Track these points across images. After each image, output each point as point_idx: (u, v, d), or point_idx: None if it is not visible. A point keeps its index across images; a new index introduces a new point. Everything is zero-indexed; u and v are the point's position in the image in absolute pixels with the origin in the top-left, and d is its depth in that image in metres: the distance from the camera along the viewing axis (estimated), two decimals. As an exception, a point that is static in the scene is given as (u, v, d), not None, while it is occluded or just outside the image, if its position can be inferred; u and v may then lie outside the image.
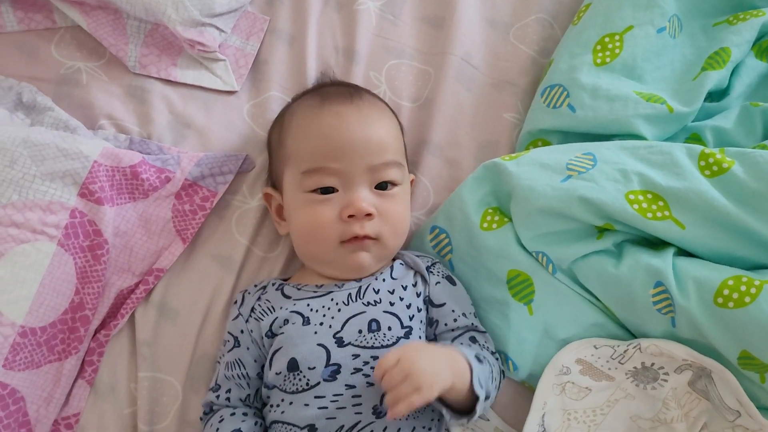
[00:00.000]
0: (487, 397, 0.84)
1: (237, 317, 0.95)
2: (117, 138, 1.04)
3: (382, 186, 0.93)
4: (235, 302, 0.97)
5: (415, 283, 0.94)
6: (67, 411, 0.95)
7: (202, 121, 1.09)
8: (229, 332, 0.95)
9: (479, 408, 0.82)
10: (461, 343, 0.91)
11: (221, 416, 0.89)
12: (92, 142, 0.98)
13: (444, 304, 0.93)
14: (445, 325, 0.92)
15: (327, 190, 0.91)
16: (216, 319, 1.00)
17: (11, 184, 0.92)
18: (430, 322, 0.92)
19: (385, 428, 0.83)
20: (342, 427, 0.83)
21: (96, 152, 0.96)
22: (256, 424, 0.89)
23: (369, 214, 0.90)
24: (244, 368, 0.92)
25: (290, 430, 0.84)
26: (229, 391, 0.92)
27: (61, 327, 0.93)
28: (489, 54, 1.18)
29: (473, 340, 0.91)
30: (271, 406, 0.88)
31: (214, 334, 0.99)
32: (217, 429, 0.88)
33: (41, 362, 0.92)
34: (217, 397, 0.92)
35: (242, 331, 0.94)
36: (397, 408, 0.74)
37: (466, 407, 0.84)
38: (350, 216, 0.90)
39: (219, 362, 0.95)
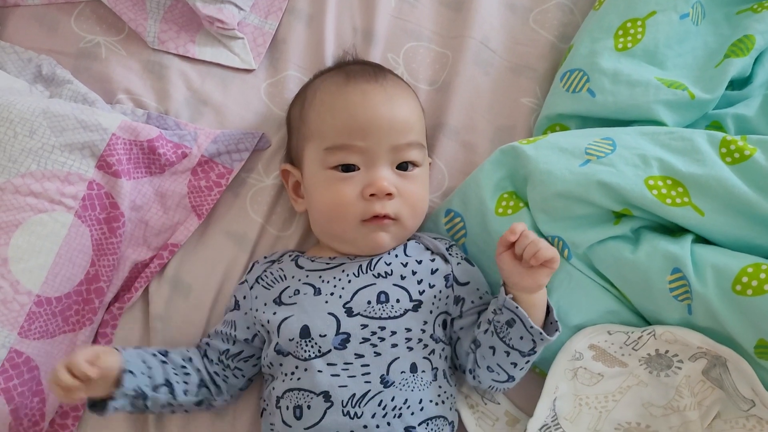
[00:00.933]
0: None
1: (243, 282, 0.97)
2: (134, 113, 1.04)
3: (403, 166, 0.93)
4: (246, 270, 0.99)
5: (434, 260, 0.94)
6: (80, 382, 0.95)
7: (219, 99, 1.09)
8: (234, 295, 0.97)
9: (554, 316, 0.87)
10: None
11: (186, 350, 0.93)
12: (111, 115, 0.98)
13: (468, 282, 0.94)
14: (472, 302, 0.93)
15: (348, 168, 0.92)
16: (229, 295, 1.00)
17: (30, 154, 0.92)
18: (456, 300, 0.92)
19: (393, 398, 0.84)
20: (354, 395, 0.84)
21: (114, 125, 0.96)
22: (199, 370, 0.91)
23: (390, 194, 0.90)
24: (235, 330, 0.93)
25: (307, 395, 0.85)
26: (211, 340, 0.94)
27: (76, 298, 0.94)
28: (508, 38, 1.17)
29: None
30: (285, 374, 0.88)
31: (229, 301, 0.99)
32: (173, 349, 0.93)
33: (56, 332, 0.92)
34: (202, 340, 0.96)
35: (245, 297, 0.95)
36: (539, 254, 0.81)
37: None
38: (372, 195, 0.90)
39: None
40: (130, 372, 0.85)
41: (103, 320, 0.97)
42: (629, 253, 0.90)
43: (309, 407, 0.85)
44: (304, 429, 0.85)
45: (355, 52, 1.10)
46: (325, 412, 0.84)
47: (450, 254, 0.95)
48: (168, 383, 0.88)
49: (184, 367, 0.91)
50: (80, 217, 0.93)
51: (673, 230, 0.93)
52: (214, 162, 1.02)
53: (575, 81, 1.04)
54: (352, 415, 0.84)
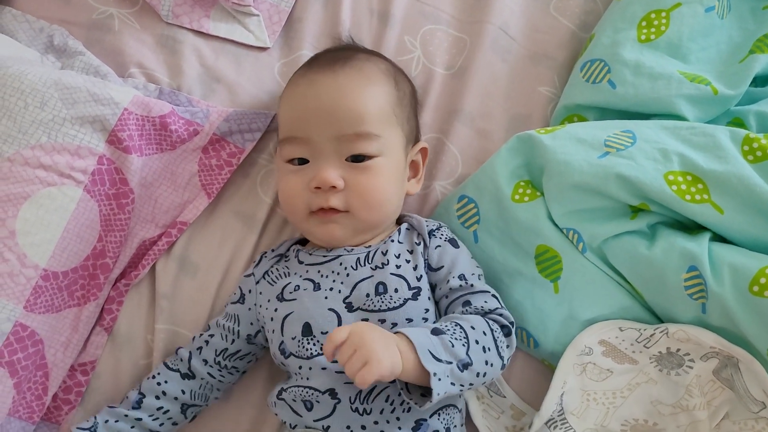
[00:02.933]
0: (465, 366, 0.78)
1: (250, 276, 0.95)
2: (147, 87, 1.02)
3: (357, 158, 0.89)
4: (254, 262, 0.97)
5: (419, 243, 0.91)
6: (84, 357, 0.95)
7: (233, 77, 1.07)
8: (239, 286, 0.96)
9: (435, 385, 0.74)
10: (453, 312, 0.87)
11: (162, 377, 0.92)
12: (123, 89, 0.96)
13: (441, 267, 0.90)
14: (440, 289, 0.89)
15: (302, 161, 0.90)
16: (236, 276, 1.00)
17: (41, 126, 0.91)
18: (432, 288, 0.90)
19: (399, 393, 0.83)
20: (360, 392, 0.82)
21: (127, 99, 0.95)
22: (176, 398, 0.91)
23: (334, 187, 0.88)
24: (239, 325, 0.92)
25: (312, 394, 0.84)
26: (211, 336, 0.93)
27: (82, 273, 0.93)
28: (527, 25, 1.15)
29: (466, 303, 0.87)
30: (293, 373, 0.87)
31: (233, 291, 0.98)
32: (153, 376, 0.93)
33: (61, 306, 0.91)
34: (201, 335, 0.94)
35: (250, 291, 0.94)
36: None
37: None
38: (317, 188, 0.88)
39: (224, 309, 0.96)
40: None
41: (109, 296, 0.96)
42: (645, 249, 0.89)
43: (318, 401, 0.84)
44: (314, 420, 0.84)
45: (349, 36, 1.08)
46: (334, 407, 0.83)
47: (433, 235, 0.92)
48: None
49: (160, 408, 0.91)
50: (89, 192, 0.92)
51: (690, 227, 0.91)
52: (225, 141, 1.00)
53: (596, 71, 1.02)
54: (361, 412, 0.83)
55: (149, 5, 1.08)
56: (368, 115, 0.89)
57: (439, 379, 0.75)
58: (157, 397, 0.90)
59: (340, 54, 0.95)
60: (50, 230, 0.89)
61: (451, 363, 0.77)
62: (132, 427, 0.89)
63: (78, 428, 0.88)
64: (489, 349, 0.81)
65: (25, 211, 0.88)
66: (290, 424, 0.87)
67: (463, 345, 0.79)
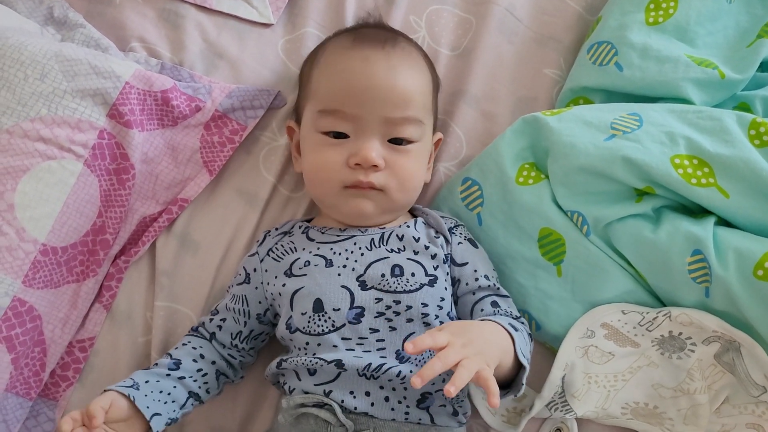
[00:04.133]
0: (528, 361, 0.83)
1: (254, 255, 0.94)
2: (148, 62, 1.01)
3: (396, 141, 0.90)
4: (257, 241, 0.96)
5: (438, 237, 0.92)
6: (83, 334, 0.94)
7: (235, 53, 1.06)
8: (243, 266, 0.94)
9: (524, 378, 0.80)
10: (482, 310, 0.89)
11: (195, 343, 0.90)
12: (125, 62, 0.95)
13: (467, 263, 0.91)
14: (467, 285, 0.90)
15: (339, 135, 0.89)
16: (237, 254, 0.99)
17: (41, 98, 0.89)
18: (453, 282, 0.90)
19: (411, 371, 0.82)
20: (369, 365, 0.82)
21: (128, 73, 0.93)
22: (213, 362, 0.90)
23: (375, 166, 0.87)
24: (248, 305, 0.91)
25: (317, 363, 0.83)
26: (224, 320, 0.92)
27: (82, 249, 0.92)
28: (534, 7, 1.13)
29: (495, 304, 0.89)
30: (298, 348, 0.86)
31: (234, 270, 0.98)
32: (184, 344, 0.90)
33: (60, 282, 0.90)
34: (211, 320, 0.92)
35: (255, 270, 0.93)
36: (456, 382, 0.68)
37: (507, 379, 0.82)
38: (357, 164, 0.87)
39: (228, 291, 0.94)
40: (156, 414, 0.82)
41: (109, 273, 0.95)
42: (649, 233, 0.88)
43: (322, 368, 0.83)
44: (315, 384, 0.83)
45: (379, 14, 1.06)
46: (339, 374, 0.82)
47: (453, 233, 0.93)
48: (191, 394, 0.87)
49: (199, 370, 0.88)
50: (89, 167, 0.91)
51: (695, 211, 0.91)
52: (228, 117, 0.99)
53: (603, 54, 1.01)
54: (368, 377, 0.82)
55: (151, -21, 1.06)
56: (416, 100, 0.90)
57: (526, 375, 0.81)
58: (195, 360, 0.88)
59: (384, 33, 0.95)
60: (50, 204, 0.88)
61: (526, 357, 0.81)
62: (174, 387, 0.85)
63: (117, 386, 0.82)
64: (529, 344, 0.86)
65: (25, 184, 0.87)
66: (289, 388, 0.86)
67: (528, 344, 0.85)
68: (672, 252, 0.86)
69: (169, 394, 0.85)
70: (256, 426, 0.97)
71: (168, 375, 0.86)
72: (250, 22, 1.08)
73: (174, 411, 0.85)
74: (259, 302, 0.92)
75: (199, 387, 0.88)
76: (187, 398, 0.87)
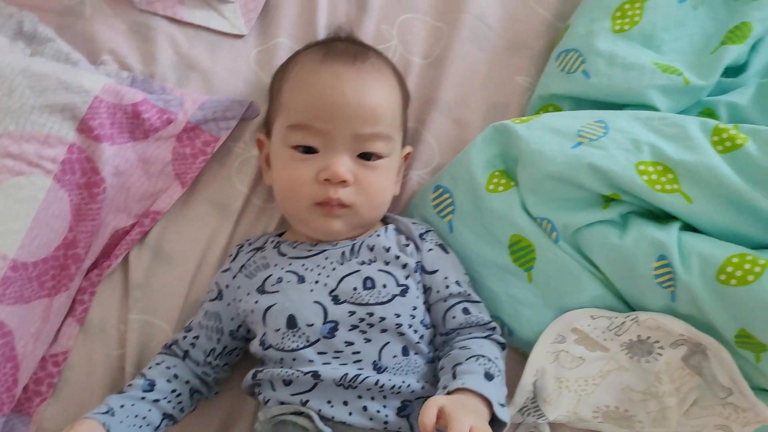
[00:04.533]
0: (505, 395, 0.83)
1: (227, 270, 0.95)
2: (119, 75, 1.01)
3: (365, 156, 0.90)
4: (230, 255, 0.97)
5: (408, 245, 0.93)
6: (56, 348, 0.94)
7: (208, 64, 1.06)
8: (216, 282, 0.95)
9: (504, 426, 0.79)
10: (453, 317, 0.89)
11: (169, 362, 0.90)
12: (94, 76, 0.95)
13: (437, 271, 0.91)
14: (438, 292, 0.90)
15: (309, 150, 0.90)
16: (211, 266, 0.99)
17: (8, 114, 0.89)
18: (424, 289, 0.91)
19: (390, 379, 0.83)
20: (346, 375, 0.82)
21: (98, 87, 0.93)
22: (187, 382, 0.90)
23: (344, 181, 0.88)
24: (221, 322, 0.92)
25: (293, 374, 0.83)
26: (197, 338, 0.92)
27: (53, 263, 0.92)
28: (505, 15, 1.14)
29: (466, 311, 0.90)
30: (272, 361, 0.87)
31: (208, 281, 0.98)
32: (157, 363, 0.90)
33: (31, 297, 0.90)
34: (184, 338, 0.93)
35: (227, 286, 0.93)
36: None
37: None
38: (326, 180, 0.88)
39: (201, 307, 0.95)
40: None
41: (81, 287, 0.95)
42: (616, 238, 0.90)
43: (298, 379, 0.83)
44: (291, 395, 0.83)
45: (350, 27, 1.07)
46: (315, 385, 0.83)
47: (423, 239, 0.94)
48: (166, 416, 0.87)
49: (174, 390, 0.89)
50: (59, 181, 0.91)
51: (661, 216, 0.92)
52: (200, 129, 1.00)
53: (571, 61, 1.02)
54: (346, 386, 0.82)
55: (121, -9, 1.06)
56: (385, 116, 0.91)
57: (507, 423, 0.79)
58: (169, 381, 0.89)
59: (355, 48, 0.95)
60: (19, 220, 0.88)
61: (504, 406, 0.80)
62: (149, 410, 0.86)
63: (94, 413, 0.82)
64: (503, 376, 0.85)
65: (-7, 200, 0.87)
66: (264, 398, 0.86)
67: (502, 379, 0.84)
68: (638, 257, 0.88)
69: (144, 417, 0.85)
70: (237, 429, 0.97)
71: (143, 398, 0.86)
72: (222, 34, 1.08)
73: None
74: (232, 318, 0.92)
75: (173, 408, 0.88)
76: (162, 420, 0.87)
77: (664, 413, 0.92)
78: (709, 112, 1.01)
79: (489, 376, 0.81)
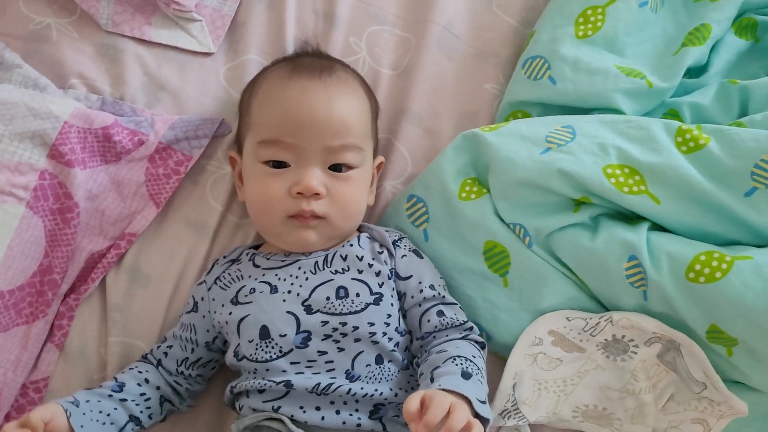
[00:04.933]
0: (487, 393, 0.83)
1: (202, 283, 0.96)
2: (88, 98, 1.01)
3: (336, 168, 0.91)
4: (206, 270, 0.98)
5: (382, 252, 0.94)
6: (36, 375, 0.94)
7: (177, 84, 1.06)
8: (192, 295, 0.96)
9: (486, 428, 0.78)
10: (428, 321, 0.90)
11: (141, 368, 0.91)
12: (63, 101, 0.95)
13: (410, 276, 0.92)
14: (412, 297, 0.91)
15: (280, 164, 0.91)
16: (188, 285, 0.99)
17: (-22, 143, 0.89)
18: (399, 296, 0.92)
19: (362, 388, 0.84)
20: (318, 384, 0.83)
21: (67, 112, 0.93)
22: (158, 388, 0.91)
23: (317, 194, 0.89)
24: (195, 333, 0.93)
25: (266, 384, 0.84)
26: (170, 347, 0.93)
27: (29, 290, 0.92)
28: (471, 23, 1.16)
29: (440, 313, 0.90)
30: (247, 372, 0.88)
31: (186, 300, 0.98)
32: (130, 368, 0.91)
33: (9, 325, 0.90)
34: (158, 347, 0.93)
35: (203, 298, 0.94)
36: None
37: None
38: (299, 193, 0.89)
39: (179, 319, 0.95)
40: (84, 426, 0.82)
41: (59, 312, 0.95)
42: (588, 241, 0.91)
43: (271, 388, 0.84)
44: (263, 401, 0.84)
45: (317, 41, 1.08)
46: (288, 392, 0.84)
47: (397, 246, 0.95)
48: (132, 418, 0.87)
49: (143, 394, 0.89)
50: (32, 208, 0.91)
51: (631, 218, 0.94)
52: (172, 149, 1.00)
53: (537, 68, 1.04)
54: (318, 393, 0.83)
55: (88, 14, 1.06)
56: (354, 127, 0.92)
57: (490, 418, 0.79)
58: (139, 384, 0.89)
59: (321, 62, 0.96)
60: (-7, 249, 0.88)
61: (485, 403, 0.80)
62: (115, 408, 0.86)
63: (59, 400, 0.82)
64: (483, 374, 0.85)
65: (-34, 230, 0.87)
66: (239, 406, 0.87)
67: (482, 377, 0.84)
68: (609, 259, 0.90)
69: (108, 415, 0.85)
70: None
71: (110, 396, 0.87)
72: (190, 52, 1.09)
73: None
74: (207, 330, 0.93)
75: (141, 411, 0.88)
76: (127, 422, 0.87)
77: (642, 410, 0.94)
78: (673, 113, 1.03)
79: (466, 375, 0.81)
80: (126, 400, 0.87)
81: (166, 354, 0.93)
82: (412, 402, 0.72)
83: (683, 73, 1.02)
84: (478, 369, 0.84)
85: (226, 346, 0.93)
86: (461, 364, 0.83)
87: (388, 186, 1.07)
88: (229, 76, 1.09)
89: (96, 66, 1.04)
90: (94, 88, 1.03)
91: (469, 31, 1.16)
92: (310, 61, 0.96)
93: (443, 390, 0.77)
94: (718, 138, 0.90)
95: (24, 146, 0.91)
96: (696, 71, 1.07)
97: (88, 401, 0.85)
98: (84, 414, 0.83)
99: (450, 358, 0.84)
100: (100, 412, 0.85)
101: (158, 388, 0.91)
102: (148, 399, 0.89)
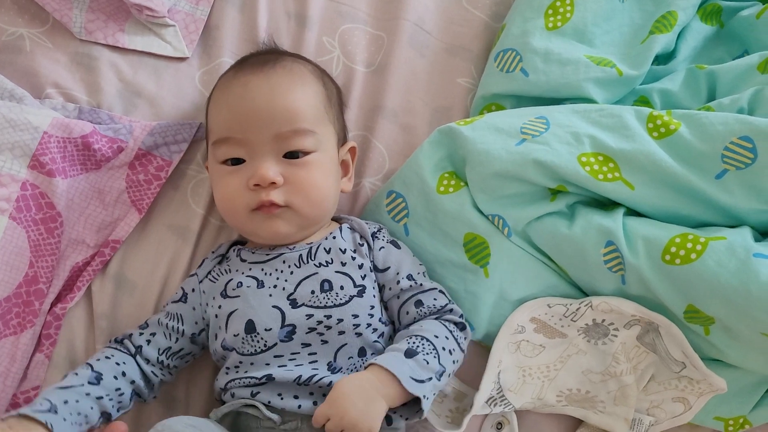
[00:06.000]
0: (441, 375, 0.85)
1: (193, 275, 0.97)
2: (65, 107, 1.01)
3: (293, 155, 0.92)
4: (198, 266, 0.99)
5: (362, 244, 0.95)
6: (26, 385, 0.94)
7: (153, 89, 1.07)
8: (181, 287, 0.96)
9: (425, 405, 0.82)
10: (407, 313, 0.92)
11: (119, 358, 0.89)
12: (41, 112, 0.95)
13: (388, 268, 0.94)
14: (390, 289, 0.93)
15: (237, 161, 0.92)
16: (174, 289, 1.00)
17: (-44, 157, 0.89)
18: (379, 288, 0.94)
19: None
20: (300, 376, 0.85)
21: (45, 123, 0.93)
22: (133, 382, 0.89)
23: (273, 183, 0.90)
24: (182, 324, 0.93)
25: (248, 381, 0.86)
26: (153, 335, 0.92)
27: (16, 301, 0.92)
28: (442, 19, 1.17)
29: (418, 303, 0.92)
30: (228, 368, 0.89)
31: (175, 291, 0.98)
32: (107, 357, 0.89)
33: (-4, 337, 0.90)
34: (140, 334, 0.92)
35: (193, 290, 0.95)
36: None
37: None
38: (256, 185, 0.90)
39: (162, 309, 0.95)
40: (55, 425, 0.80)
41: (47, 322, 0.95)
42: (565, 229, 0.93)
43: (252, 382, 0.86)
44: (243, 387, 0.86)
45: (272, 41, 1.08)
46: (267, 382, 0.86)
47: (375, 237, 0.96)
48: (104, 414, 0.86)
49: (118, 389, 0.88)
50: (15, 219, 0.91)
51: (606, 204, 0.96)
52: (152, 155, 1.00)
53: (509, 61, 1.06)
54: (299, 383, 0.85)
55: (60, 23, 1.06)
56: (303, 112, 0.92)
57: (426, 398, 0.82)
58: (116, 377, 0.88)
59: (267, 57, 0.97)
60: (-23, 262, 0.88)
61: (431, 379, 0.83)
62: (92, 408, 0.83)
63: (34, 411, 0.78)
64: (453, 350, 0.88)
65: (-51, 244, 0.87)
66: (223, 396, 0.89)
67: (435, 357, 0.85)
68: (587, 245, 0.92)
69: (86, 416, 0.83)
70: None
71: (87, 394, 0.84)
72: (165, 58, 1.09)
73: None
74: (195, 322, 0.94)
75: (113, 406, 0.87)
76: (99, 418, 0.86)
77: (624, 391, 0.97)
78: (643, 100, 1.05)
79: (410, 353, 0.84)
80: (102, 397, 0.85)
81: (148, 342, 0.92)
82: (321, 414, 0.78)
83: (652, 60, 1.04)
84: (433, 348, 0.86)
85: (209, 341, 0.94)
86: (412, 342, 0.85)
87: (367, 183, 1.08)
88: (204, 80, 1.09)
89: (71, 75, 1.04)
90: (71, 97, 1.03)
91: (440, 26, 1.17)
92: (255, 58, 0.98)
93: (375, 365, 0.81)
94: (688, 123, 0.92)
95: (4, 157, 0.91)
96: (664, 58, 1.09)
97: (66, 402, 0.81)
98: (65, 420, 0.80)
99: (408, 336, 0.87)
100: (78, 413, 0.82)
101: (132, 382, 0.89)
102: (122, 394, 0.88)
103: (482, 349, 1.00)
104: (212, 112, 0.96)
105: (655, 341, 0.94)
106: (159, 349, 0.92)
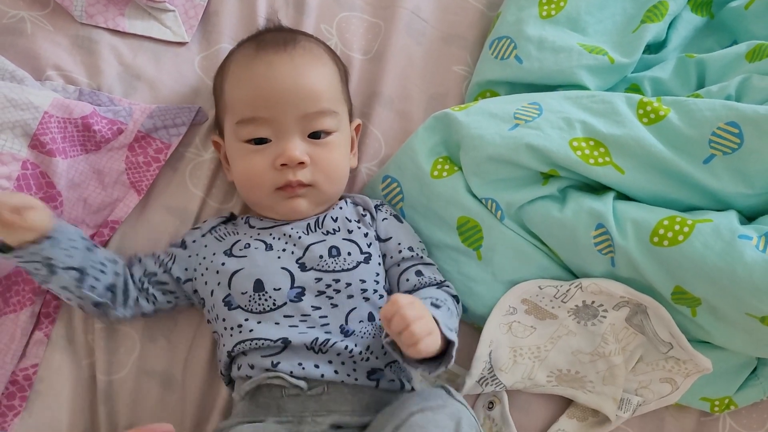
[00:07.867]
0: (455, 331, 0.86)
1: (197, 228, 0.99)
2: (66, 89, 1.02)
3: (315, 135, 0.94)
4: (202, 221, 1.01)
5: (365, 215, 0.98)
6: (25, 362, 0.95)
7: (153, 73, 1.08)
8: (184, 236, 0.98)
9: (453, 351, 0.83)
10: (407, 280, 0.94)
11: (115, 256, 0.94)
12: (42, 92, 0.96)
13: (390, 238, 0.97)
14: (391, 258, 0.96)
15: (261, 141, 0.94)
16: (173, 270, 1.01)
17: (-41, 135, 0.90)
18: (382, 257, 0.96)
19: (356, 345, 0.87)
20: (316, 339, 0.86)
21: (46, 103, 0.95)
22: (117, 273, 0.92)
23: (301, 163, 0.92)
24: (173, 262, 0.95)
25: (263, 343, 0.87)
26: (144, 257, 0.96)
27: (16, 279, 0.93)
28: (438, 7, 1.19)
29: (419, 273, 0.95)
30: (233, 328, 0.89)
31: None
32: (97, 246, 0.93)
33: (-3, 314, 0.92)
34: (136, 256, 0.97)
35: (194, 241, 0.97)
36: (418, 347, 0.77)
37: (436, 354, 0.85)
38: (283, 165, 0.92)
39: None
40: (53, 238, 0.84)
41: (46, 300, 0.97)
42: (557, 212, 0.95)
43: (269, 346, 0.87)
44: (261, 356, 0.87)
45: (278, 19, 1.10)
46: (285, 347, 0.86)
47: (378, 210, 0.99)
48: (81, 271, 0.87)
49: (103, 264, 0.90)
50: (16, 198, 0.92)
51: (597, 188, 0.98)
52: (151, 137, 1.02)
53: (503, 48, 1.08)
54: (316, 350, 0.86)
55: (61, 6, 1.07)
56: (325, 93, 0.95)
57: (455, 345, 0.83)
58: (107, 259, 0.91)
59: (285, 35, 0.98)
60: (-22, 239, 0.89)
61: (456, 331, 0.85)
62: (77, 249, 0.87)
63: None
64: (454, 315, 0.91)
65: (-49, 221, 0.88)
66: (238, 366, 0.88)
67: (450, 315, 0.88)
68: (578, 228, 0.94)
69: (74, 248, 0.87)
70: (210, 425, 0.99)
71: (84, 238, 0.90)
72: (165, 42, 1.10)
73: (60, 262, 0.86)
74: (185, 269, 0.95)
75: (89, 274, 0.88)
76: (76, 269, 0.87)
77: (612, 371, 0.99)
78: (635, 88, 1.08)
79: (435, 306, 0.86)
80: (91, 252, 0.89)
81: (140, 260, 0.95)
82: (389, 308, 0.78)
83: (643, 49, 1.06)
84: (448, 309, 0.88)
85: (189, 298, 0.96)
86: (430, 298, 0.88)
87: (364, 168, 1.10)
88: (203, 65, 1.11)
89: (72, 57, 1.05)
90: (71, 79, 1.04)
91: (436, 15, 1.19)
92: (273, 36, 0.99)
93: None
94: (677, 109, 0.94)
95: (5, 137, 0.92)
96: (655, 47, 1.11)
97: (63, 232, 0.86)
98: (57, 230, 0.85)
99: (422, 298, 0.88)
100: (70, 239, 0.87)
101: (116, 274, 0.91)
102: (103, 273, 0.90)
103: (474, 330, 1.02)
104: (233, 88, 0.96)
105: (643, 322, 0.96)
106: (145, 271, 0.95)
